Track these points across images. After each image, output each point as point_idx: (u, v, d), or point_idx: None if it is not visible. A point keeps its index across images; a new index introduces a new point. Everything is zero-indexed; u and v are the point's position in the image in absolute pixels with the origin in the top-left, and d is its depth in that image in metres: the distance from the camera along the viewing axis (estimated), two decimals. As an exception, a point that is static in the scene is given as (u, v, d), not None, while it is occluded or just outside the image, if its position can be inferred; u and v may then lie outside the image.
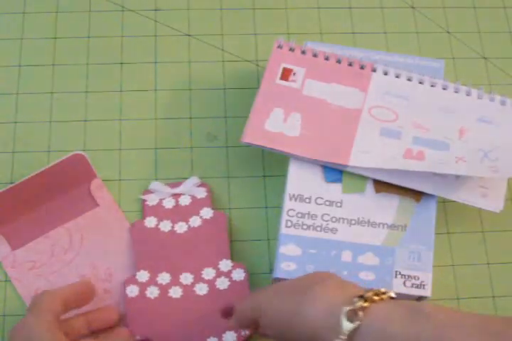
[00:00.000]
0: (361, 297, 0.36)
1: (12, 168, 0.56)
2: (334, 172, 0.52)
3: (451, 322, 0.34)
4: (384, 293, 0.37)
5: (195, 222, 0.52)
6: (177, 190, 0.53)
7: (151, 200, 0.53)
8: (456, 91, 0.54)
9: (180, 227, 0.51)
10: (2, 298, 0.51)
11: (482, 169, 0.51)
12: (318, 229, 0.50)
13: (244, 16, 0.63)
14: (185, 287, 0.50)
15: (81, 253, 0.52)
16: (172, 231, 0.51)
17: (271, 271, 0.53)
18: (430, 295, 0.49)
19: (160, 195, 0.53)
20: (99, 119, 0.58)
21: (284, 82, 0.54)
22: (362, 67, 0.55)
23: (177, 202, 0.53)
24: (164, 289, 0.49)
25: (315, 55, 0.55)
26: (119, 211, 0.54)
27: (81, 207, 0.54)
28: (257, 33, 0.62)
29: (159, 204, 0.53)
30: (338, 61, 0.55)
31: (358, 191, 0.52)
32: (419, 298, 0.51)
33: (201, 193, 0.53)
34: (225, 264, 0.50)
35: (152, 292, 0.49)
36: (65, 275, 0.51)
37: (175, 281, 0.50)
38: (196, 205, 0.52)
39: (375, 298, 0.36)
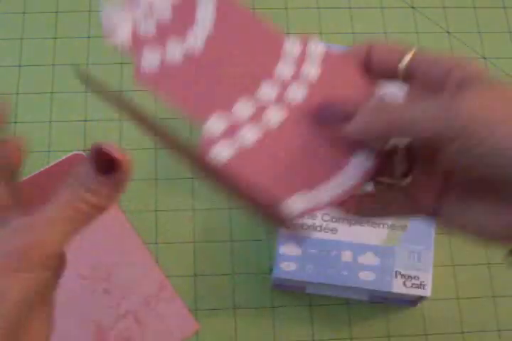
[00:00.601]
0: None
1: (12, 168, 0.56)
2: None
3: None
4: None
5: (203, 27, 0.31)
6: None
7: (125, 32, 0.32)
8: (456, 91, 0.54)
9: (194, 40, 0.31)
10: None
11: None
12: (318, 229, 0.50)
13: (244, 16, 0.63)
14: (278, 101, 0.31)
15: (81, 253, 0.52)
16: (188, 51, 0.30)
17: (271, 271, 0.52)
18: (430, 295, 0.49)
19: (128, 16, 0.32)
20: (99, 119, 0.58)
21: (284, 82, 0.54)
22: (362, 67, 0.54)
23: (154, 19, 0.31)
24: (255, 121, 0.30)
25: (315, 55, 0.55)
26: (119, 211, 0.54)
27: (81, 207, 0.54)
28: (257, 33, 0.62)
29: (138, 34, 0.31)
30: (338, 61, 0.55)
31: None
32: (419, 298, 0.51)
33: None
34: (294, 46, 0.32)
35: (245, 135, 0.30)
36: (64, 275, 0.51)
37: (260, 102, 0.30)
38: (181, 10, 0.31)
39: None
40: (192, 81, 0.30)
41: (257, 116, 0.30)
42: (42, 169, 0.52)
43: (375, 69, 0.30)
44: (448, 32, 0.64)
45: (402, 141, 0.28)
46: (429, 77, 0.29)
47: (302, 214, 0.30)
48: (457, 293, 0.53)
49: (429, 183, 0.30)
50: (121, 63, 0.60)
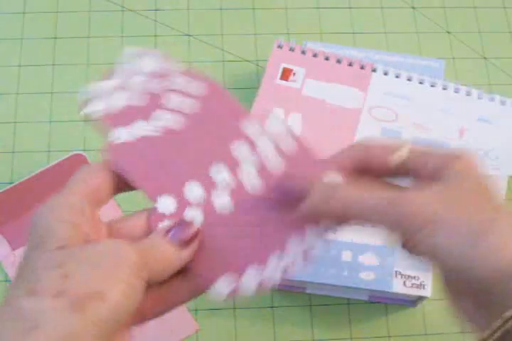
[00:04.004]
0: None
1: (12, 168, 0.56)
2: (334, 172, 0.52)
3: None
4: None
5: (182, 102, 0.33)
6: (118, 77, 0.34)
7: (97, 110, 0.34)
8: (456, 92, 0.54)
9: (170, 119, 0.33)
10: (2, 298, 0.51)
11: (482, 169, 0.51)
12: (318, 229, 0.50)
13: (244, 16, 0.63)
14: (230, 190, 0.32)
15: (81, 253, 0.52)
16: (162, 130, 0.33)
17: (271, 271, 0.52)
18: (430, 295, 0.49)
19: (104, 96, 0.34)
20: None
21: (284, 82, 0.54)
22: (362, 67, 0.55)
23: (134, 92, 0.34)
24: (207, 204, 0.32)
25: (315, 55, 0.55)
26: (119, 211, 0.54)
27: (81, 207, 0.54)
28: (257, 33, 0.62)
29: (114, 109, 0.34)
30: (338, 61, 0.55)
31: (358, 191, 0.51)
32: (419, 298, 0.51)
33: (155, 63, 0.34)
34: (253, 125, 0.33)
35: (194, 217, 0.31)
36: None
37: (209, 185, 0.32)
38: (163, 81, 0.33)
39: None
40: (149, 159, 0.32)
41: (207, 206, 0.31)
42: (42, 169, 0.52)
43: (373, 169, 0.31)
44: (448, 32, 0.64)
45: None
46: (424, 173, 0.29)
47: (231, 295, 0.30)
48: (457, 293, 0.53)
49: None
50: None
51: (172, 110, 0.33)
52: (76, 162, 0.53)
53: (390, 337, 0.52)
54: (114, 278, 0.25)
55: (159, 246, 0.28)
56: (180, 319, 0.52)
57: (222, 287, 0.31)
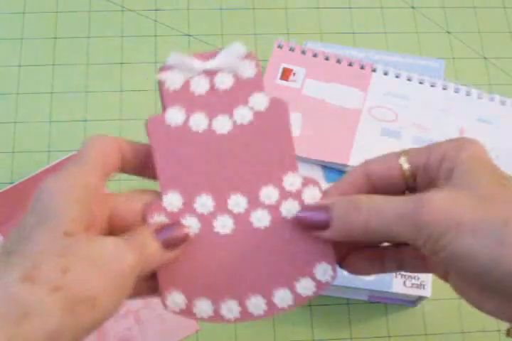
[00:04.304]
0: None
1: (12, 168, 0.56)
2: (334, 172, 0.52)
3: None
4: None
5: (244, 115, 0.34)
6: (212, 64, 0.34)
7: (172, 82, 0.33)
8: (456, 92, 0.54)
9: (222, 124, 0.33)
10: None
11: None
12: (318, 229, 0.50)
13: (244, 16, 0.63)
14: (237, 217, 0.33)
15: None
16: (210, 131, 0.33)
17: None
18: (430, 295, 0.49)
19: (186, 72, 0.34)
20: (99, 119, 0.58)
21: (284, 82, 0.54)
22: (362, 67, 0.55)
23: (213, 84, 0.34)
24: (207, 221, 0.32)
25: (315, 55, 0.55)
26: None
27: (81, 207, 0.54)
28: (257, 33, 0.62)
29: (185, 89, 0.33)
30: (338, 61, 0.55)
31: (358, 191, 0.51)
32: (419, 298, 0.51)
33: (248, 70, 0.34)
34: (292, 180, 0.33)
35: (190, 225, 0.32)
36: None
37: (221, 208, 0.33)
38: (243, 89, 0.34)
39: None
40: (183, 152, 0.32)
41: (207, 222, 0.32)
42: (42, 169, 0.52)
43: (378, 186, 0.30)
44: (448, 32, 0.64)
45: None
46: (429, 169, 0.29)
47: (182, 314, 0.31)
48: (457, 293, 0.53)
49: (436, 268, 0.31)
50: (121, 63, 0.60)
51: (233, 120, 0.33)
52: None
53: (389, 337, 0.52)
54: (109, 282, 0.25)
55: (148, 242, 0.28)
56: (180, 319, 0.52)
57: (174, 301, 0.31)
